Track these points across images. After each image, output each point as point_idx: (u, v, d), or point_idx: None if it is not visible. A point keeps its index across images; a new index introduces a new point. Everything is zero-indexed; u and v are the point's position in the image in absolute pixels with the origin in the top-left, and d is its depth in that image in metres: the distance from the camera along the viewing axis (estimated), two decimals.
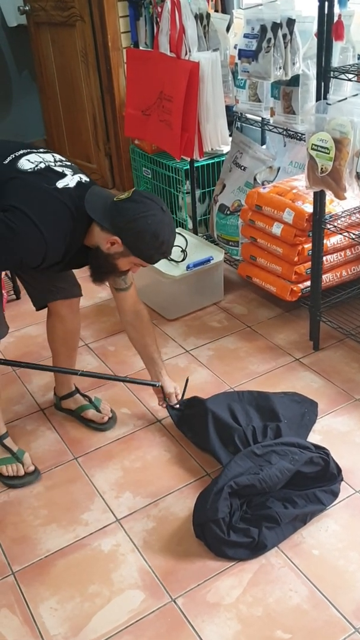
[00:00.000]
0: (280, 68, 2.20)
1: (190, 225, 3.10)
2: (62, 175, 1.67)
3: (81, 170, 1.78)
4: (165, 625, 1.48)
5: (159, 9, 2.55)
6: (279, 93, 2.33)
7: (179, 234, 2.89)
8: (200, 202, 3.13)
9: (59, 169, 1.69)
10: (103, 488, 1.86)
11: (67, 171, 1.70)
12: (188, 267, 2.60)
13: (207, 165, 3.05)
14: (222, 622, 1.47)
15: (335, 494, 1.74)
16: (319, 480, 1.75)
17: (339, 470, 1.78)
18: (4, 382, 2.30)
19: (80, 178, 1.71)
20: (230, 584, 1.55)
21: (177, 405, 2.03)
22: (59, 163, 1.72)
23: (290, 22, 2.14)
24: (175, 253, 2.72)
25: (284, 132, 2.46)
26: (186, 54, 2.45)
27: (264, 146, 2.86)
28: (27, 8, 3.77)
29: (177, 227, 3.06)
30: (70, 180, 1.67)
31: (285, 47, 2.17)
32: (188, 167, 2.94)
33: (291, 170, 2.71)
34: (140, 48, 3.08)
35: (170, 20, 2.46)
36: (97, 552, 1.67)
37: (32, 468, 1.91)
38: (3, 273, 2.11)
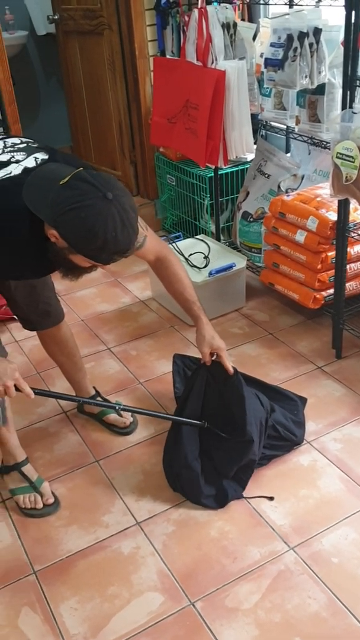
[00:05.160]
0: (306, 77, 2.21)
1: (213, 231, 3.12)
2: (5, 164, 1.42)
3: (41, 149, 1.49)
4: (183, 628, 1.49)
5: (186, 18, 2.57)
6: (304, 101, 2.34)
7: (202, 240, 2.90)
8: (224, 209, 3.14)
9: (4, 157, 1.45)
10: (124, 491, 1.88)
11: (19, 156, 1.44)
12: (210, 274, 2.62)
13: (231, 173, 3.06)
14: (240, 627, 1.48)
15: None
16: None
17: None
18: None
19: (36, 159, 1.43)
20: (248, 589, 1.56)
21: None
22: (9, 149, 1.48)
23: (317, 32, 2.15)
24: (198, 259, 2.74)
25: (309, 141, 2.47)
26: (213, 62, 2.48)
27: (288, 154, 2.87)
28: (56, 17, 3.83)
29: (200, 234, 3.10)
30: (15, 167, 1.41)
31: (312, 56, 2.18)
32: (212, 174, 2.96)
33: (315, 178, 2.71)
34: (167, 57, 3.11)
35: (197, 29, 2.49)
36: (117, 554, 1.69)
37: (51, 500, 1.82)
38: None
